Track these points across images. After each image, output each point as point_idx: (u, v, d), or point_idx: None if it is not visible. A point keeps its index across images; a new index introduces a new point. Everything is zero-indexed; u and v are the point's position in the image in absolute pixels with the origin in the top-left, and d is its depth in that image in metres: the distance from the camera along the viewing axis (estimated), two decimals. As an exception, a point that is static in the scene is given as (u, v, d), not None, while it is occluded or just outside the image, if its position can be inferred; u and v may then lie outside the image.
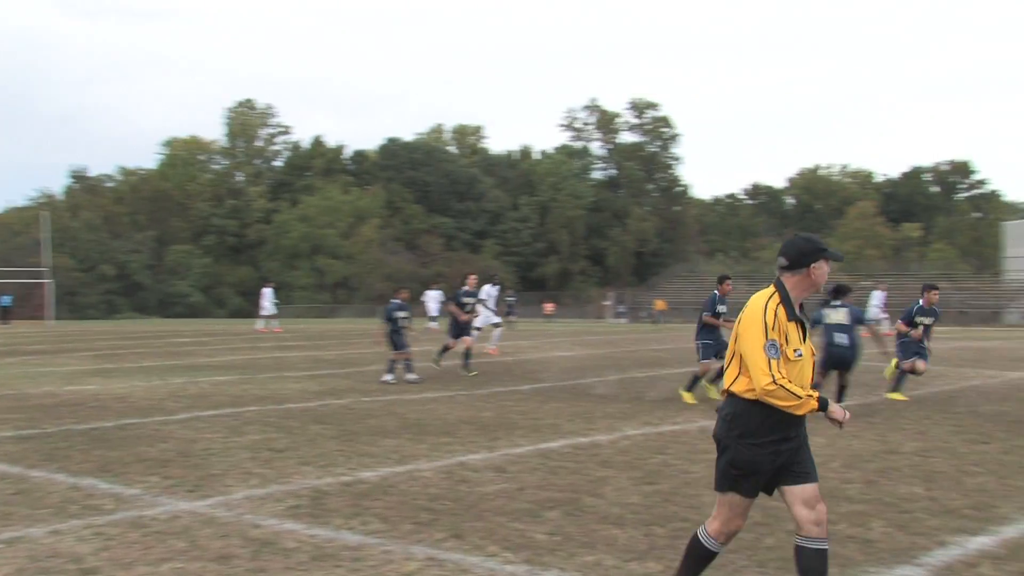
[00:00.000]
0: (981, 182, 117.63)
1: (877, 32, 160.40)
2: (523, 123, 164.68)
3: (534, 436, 10.74)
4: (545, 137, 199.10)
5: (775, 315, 4.62)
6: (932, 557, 5.91)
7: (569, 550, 6.05)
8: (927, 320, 14.44)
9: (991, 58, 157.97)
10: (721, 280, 14.73)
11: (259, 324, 41.58)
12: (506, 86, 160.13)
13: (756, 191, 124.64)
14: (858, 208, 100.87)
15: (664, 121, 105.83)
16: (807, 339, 4.73)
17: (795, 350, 4.63)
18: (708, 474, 8.48)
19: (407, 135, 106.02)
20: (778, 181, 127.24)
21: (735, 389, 4.72)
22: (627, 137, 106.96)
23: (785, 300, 4.68)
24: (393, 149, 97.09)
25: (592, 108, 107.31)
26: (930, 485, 8.06)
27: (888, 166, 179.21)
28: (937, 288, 14.83)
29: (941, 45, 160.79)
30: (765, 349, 4.56)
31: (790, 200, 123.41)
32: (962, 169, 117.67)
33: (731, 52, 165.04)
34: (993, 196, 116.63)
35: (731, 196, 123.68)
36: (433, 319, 43.66)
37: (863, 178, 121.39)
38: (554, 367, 20.86)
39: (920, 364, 14.32)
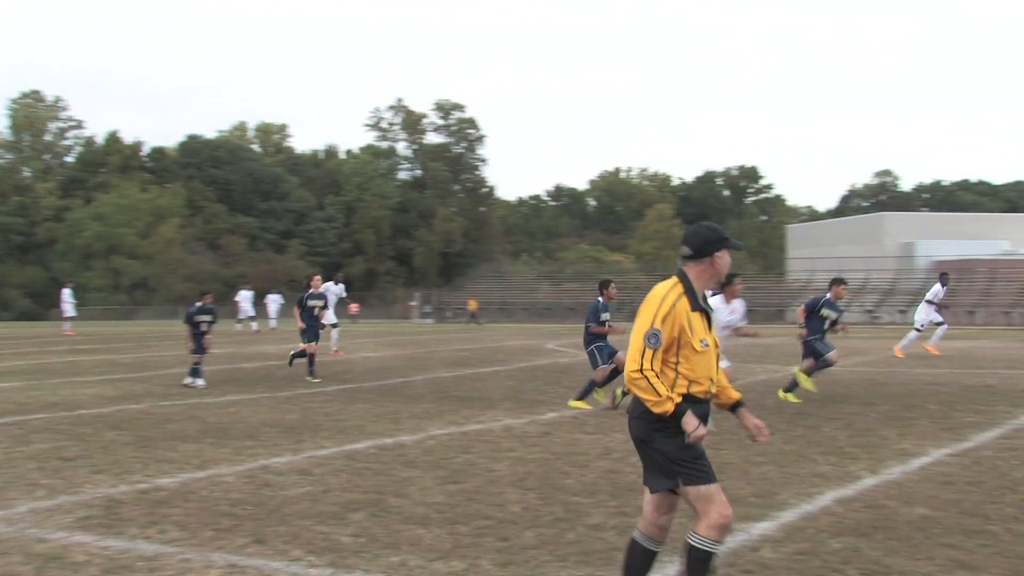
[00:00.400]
0: (767, 187, 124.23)
1: (675, 40, 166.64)
2: (328, 122, 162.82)
3: (339, 438, 10.67)
4: (351, 137, 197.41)
5: (672, 304, 4.48)
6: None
7: (374, 551, 6.05)
8: (833, 314, 14.23)
9: (778, 69, 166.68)
10: (604, 285, 13.88)
11: (66, 326, 39.56)
12: (311, 85, 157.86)
13: (559, 192, 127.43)
14: (656, 210, 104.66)
15: (470, 122, 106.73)
16: (712, 329, 4.62)
17: (701, 340, 4.50)
18: (512, 472, 8.66)
19: (208, 132, 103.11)
20: (580, 183, 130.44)
21: None
22: (433, 138, 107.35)
23: (688, 290, 4.56)
24: (194, 147, 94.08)
25: (398, 108, 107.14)
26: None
27: (684, 170, 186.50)
28: (845, 282, 14.47)
29: (734, 55, 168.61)
30: (645, 336, 4.43)
31: (592, 201, 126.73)
32: (750, 174, 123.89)
33: (535, 56, 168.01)
34: (778, 200, 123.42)
35: (535, 197, 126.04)
36: (250, 319, 42.83)
37: (661, 181, 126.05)
38: (360, 368, 20.75)
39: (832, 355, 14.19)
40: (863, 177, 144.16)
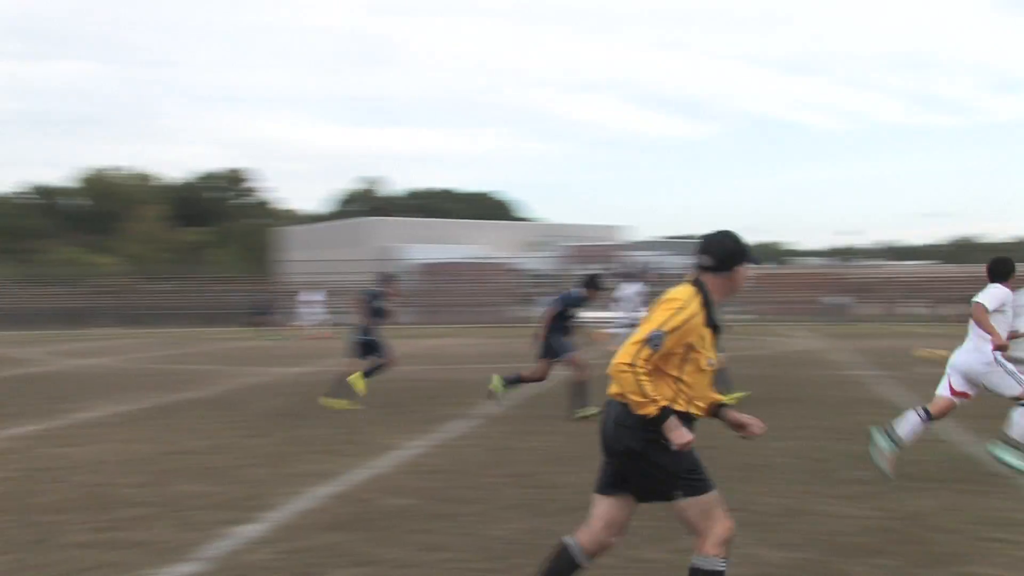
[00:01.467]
0: (261, 189, 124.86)
1: (174, 43, 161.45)
2: None
3: None
4: None
5: (692, 314, 4.17)
6: (210, 550, 6.18)
7: None
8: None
9: (274, 71, 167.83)
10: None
11: None
12: None
13: (39, 191, 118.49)
14: (147, 211, 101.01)
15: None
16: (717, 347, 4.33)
17: (708, 359, 4.24)
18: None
19: None
20: (63, 181, 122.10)
21: None
22: None
23: (707, 302, 4.24)
24: None
25: None
26: (211, 481, 8.40)
27: (176, 171, 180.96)
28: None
29: (221, 55, 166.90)
30: (649, 334, 4.09)
31: (76, 201, 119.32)
32: (244, 176, 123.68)
33: (25, 45, 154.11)
34: (272, 203, 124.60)
35: (10, 195, 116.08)
36: None
37: (151, 182, 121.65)
38: None
39: None
40: (354, 183, 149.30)
